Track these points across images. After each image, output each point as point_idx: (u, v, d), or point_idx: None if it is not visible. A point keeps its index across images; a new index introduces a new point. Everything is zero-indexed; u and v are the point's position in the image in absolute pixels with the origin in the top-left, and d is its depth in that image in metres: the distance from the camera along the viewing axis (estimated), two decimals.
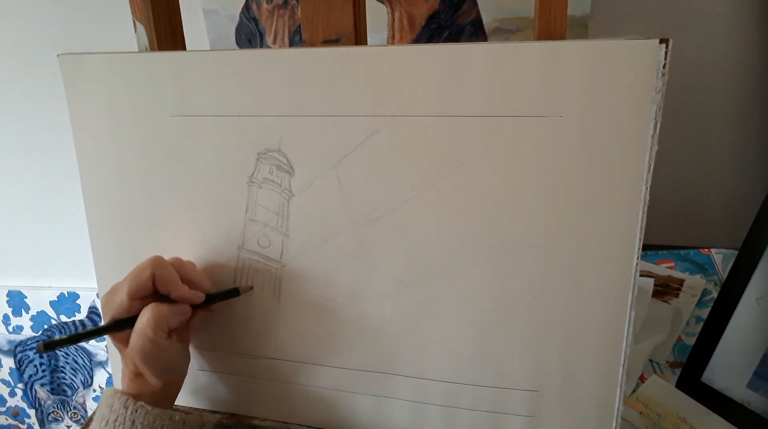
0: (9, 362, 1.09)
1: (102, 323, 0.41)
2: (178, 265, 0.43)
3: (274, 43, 0.74)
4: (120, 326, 0.41)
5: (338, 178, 0.41)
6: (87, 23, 0.79)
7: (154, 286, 0.41)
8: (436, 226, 0.40)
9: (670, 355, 0.55)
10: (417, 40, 0.70)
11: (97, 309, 1.00)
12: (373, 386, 0.45)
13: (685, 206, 0.75)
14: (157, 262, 0.41)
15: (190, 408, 0.50)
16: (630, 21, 0.67)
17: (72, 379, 1.07)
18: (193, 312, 0.43)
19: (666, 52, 0.34)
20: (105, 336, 0.42)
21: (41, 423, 1.13)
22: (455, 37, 0.69)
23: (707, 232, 0.75)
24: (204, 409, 0.50)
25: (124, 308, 0.40)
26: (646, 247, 0.38)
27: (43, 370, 1.08)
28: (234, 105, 0.42)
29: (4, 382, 1.12)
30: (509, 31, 0.68)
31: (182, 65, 0.42)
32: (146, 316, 0.39)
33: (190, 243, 0.46)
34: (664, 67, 0.34)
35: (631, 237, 0.37)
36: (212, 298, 0.44)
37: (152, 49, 0.46)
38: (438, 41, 0.70)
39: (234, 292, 0.45)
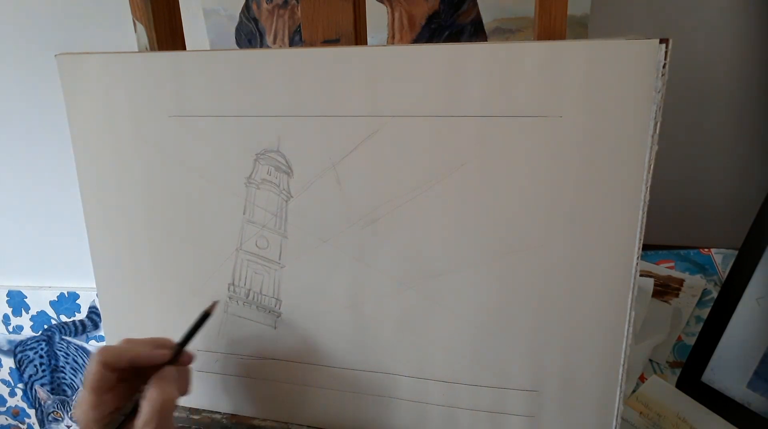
0: (9, 362, 1.09)
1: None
2: (125, 341, 0.41)
3: (274, 43, 0.73)
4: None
5: (338, 178, 0.41)
6: (86, 23, 0.79)
7: (115, 372, 0.39)
8: (436, 226, 0.40)
9: (670, 355, 0.55)
10: (417, 40, 0.69)
11: (97, 309, 1.00)
12: (373, 386, 0.45)
13: (685, 206, 0.74)
14: (101, 350, 0.39)
15: (192, 408, 0.50)
16: (630, 21, 0.67)
17: (72, 379, 1.07)
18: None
19: (666, 52, 0.34)
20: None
21: (41, 423, 1.13)
22: (455, 37, 0.69)
23: (707, 232, 0.75)
24: (204, 409, 0.50)
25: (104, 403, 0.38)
26: (646, 247, 0.38)
27: (43, 370, 1.08)
28: (233, 105, 0.42)
29: (4, 382, 1.11)
30: (509, 31, 0.67)
31: (180, 65, 0.42)
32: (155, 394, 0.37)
33: (187, 244, 0.46)
34: (664, 67, 0.34)
35: (631, 237, 0.37)
36: (190, 336, 0.43)
37: (152, 49, 0.46)
38: (438, 41, 0.69)
39: (206, 316, 0.44)
